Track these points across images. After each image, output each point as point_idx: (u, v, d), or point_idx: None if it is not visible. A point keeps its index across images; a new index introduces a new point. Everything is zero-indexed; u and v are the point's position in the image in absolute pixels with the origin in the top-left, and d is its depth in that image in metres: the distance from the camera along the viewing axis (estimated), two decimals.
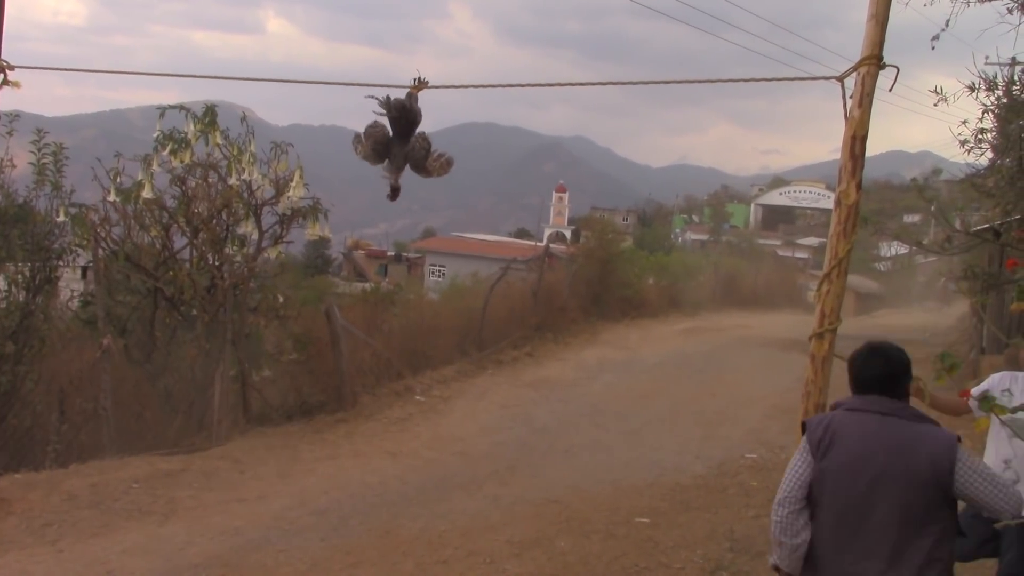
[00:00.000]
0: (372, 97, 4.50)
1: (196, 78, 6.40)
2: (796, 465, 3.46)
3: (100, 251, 9.90)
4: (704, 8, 19.17)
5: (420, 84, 4.54)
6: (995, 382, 4.97)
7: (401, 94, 4.52)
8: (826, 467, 3.37)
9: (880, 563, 3.26)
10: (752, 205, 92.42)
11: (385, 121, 4.53)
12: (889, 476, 3.27)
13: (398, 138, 4.48)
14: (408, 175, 4.55)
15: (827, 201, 73.94)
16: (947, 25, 7.97)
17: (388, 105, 4.46)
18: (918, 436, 3.32)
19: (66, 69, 6.06)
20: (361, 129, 4.56)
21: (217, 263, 10.63)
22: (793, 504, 3.41)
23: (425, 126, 4.58)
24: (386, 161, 4.50)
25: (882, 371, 3.47)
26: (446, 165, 4.59)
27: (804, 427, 3.56)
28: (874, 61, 3.86)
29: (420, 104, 4.55)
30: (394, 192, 4.52)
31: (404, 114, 4.45)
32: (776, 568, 3.55)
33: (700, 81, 4.77)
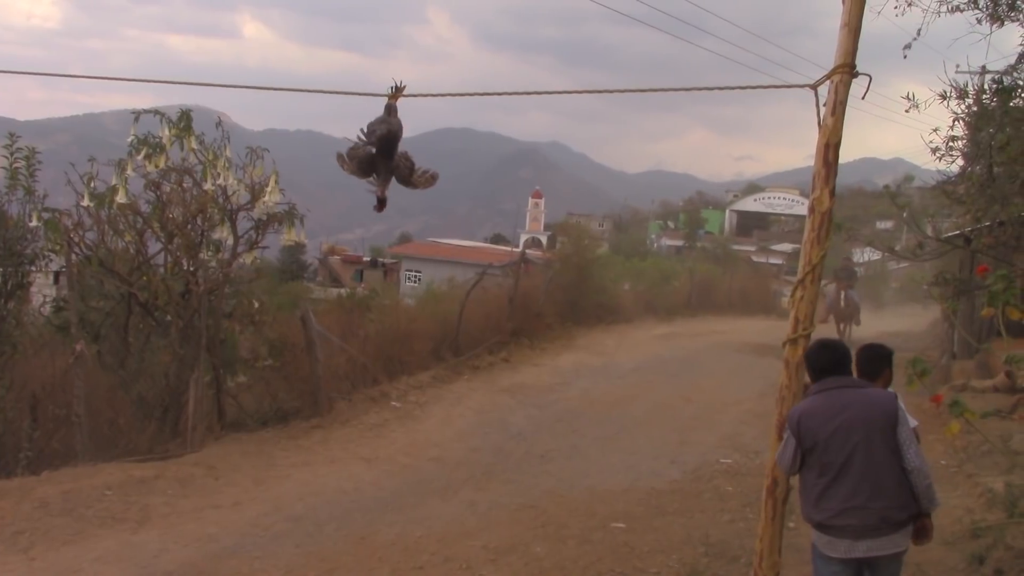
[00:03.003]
0: (346, 151, 4.60)
1: (171, 84, 6.35)
2: (786, 449, 4.45)
3: (73, 256, 9.81)
4: (681, 16, 19.28)
5: (397, 91, 4.58)
6: None
7: (379, 102, 4.55)
8: (813, 439, 4.32)
9: (864, 497, 4.23)
10: (727, 211, 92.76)
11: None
12: (855, 429, 4.26)
13: (381, 157, 4.54)
14: (391, 183, 4.63)
15: (801, 207, 74.38)
16: (919, 34, 8.05)
17: (369, 138, 4.53)
18: (868, 396, 4.39)
19: (39, 73, 6.02)
20: (338, 135, 4.64)
21: (192, 268, 10.54)
22: (789, 476, 4.57)
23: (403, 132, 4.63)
24: (373, 175, 4.57)
25: (830, 358, 4.47)
26: (431, 180, 4.78)
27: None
28: (847, 70, 3.92)
29: (398, 110, 4.60)
30: (381, 204, 4.67)
31: (384, 139, 4.52)
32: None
33: (676, 89, 4.82)
